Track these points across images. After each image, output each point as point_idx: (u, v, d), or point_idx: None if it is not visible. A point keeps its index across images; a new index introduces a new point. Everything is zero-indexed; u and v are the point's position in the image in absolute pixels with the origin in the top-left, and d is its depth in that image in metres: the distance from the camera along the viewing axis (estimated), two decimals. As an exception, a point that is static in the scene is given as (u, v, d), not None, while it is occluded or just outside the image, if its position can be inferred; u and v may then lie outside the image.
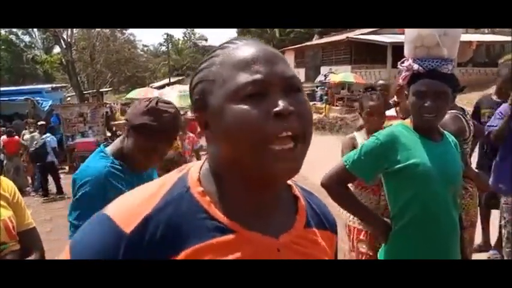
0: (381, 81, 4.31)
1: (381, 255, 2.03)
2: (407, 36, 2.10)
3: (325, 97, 20.87)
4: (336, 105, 20.63)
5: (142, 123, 1.71)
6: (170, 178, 0.76)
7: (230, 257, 0.70)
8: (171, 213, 0.70)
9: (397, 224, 1.94)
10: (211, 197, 0.74)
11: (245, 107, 0.69)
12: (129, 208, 0.71)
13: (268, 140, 0.69)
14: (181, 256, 0.68)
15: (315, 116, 19.05)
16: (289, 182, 0.84)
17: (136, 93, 16.76)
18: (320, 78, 23.77)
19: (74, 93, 27.54)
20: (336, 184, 2.02)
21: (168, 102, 1.79)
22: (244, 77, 0.71)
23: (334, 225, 0.90)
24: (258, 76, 0.71)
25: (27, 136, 10.18)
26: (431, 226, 1.89)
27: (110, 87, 34.51)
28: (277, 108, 0.69)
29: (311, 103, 22.27)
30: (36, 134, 9.60)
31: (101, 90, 28.83)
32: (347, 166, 1.97)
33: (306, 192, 0.89)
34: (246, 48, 0.74)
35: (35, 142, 9.18)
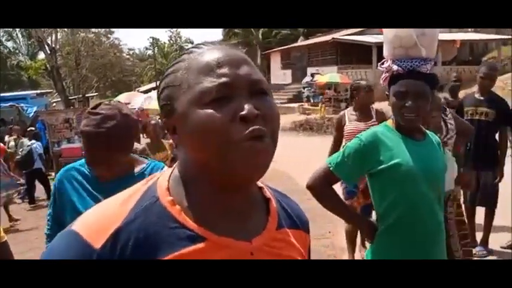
0: (363, 82, 4.31)
1: (367, 255, 2.04)
2: (386, 37, 2.11)
3: (321, 97, 20.90)
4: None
5: (79, 131, 1.66)
6: (139, 189, 0.76)
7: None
8: (142, 225, 0.70)
9: (383, 224, 1.95)
10: (181, 205, 0.73)
11: (210, 110, 0.69)
12: (97, 222, 0.70)
13: (233, 141, 0.69)
14: None
15: (302, 117, 19.16)
16: (260, 184, 0.84)
17: (123, 98, 16.71)
18: (307, 79, 23.86)
19: (59, 99, 27.31)
20: (321, 186, 2.03)
21: (112, 104, 1.65)
22: (208, 82, 0.71)
23: (306, 224, 0.90)
24: (222, 80, 0.71)
25: (12, 143, 10.03)
26: (417, 225, 1.90)
27: (96, 92, 34.28)
28: (242, 112, 0.69)
29: (298, 104, 22.38)
30: (25, 140, 9.46)
31: (86, 95, 28.68)
32: (331, 168, 1.98)
33: (277, 193, 0.88)
34: (212, 53, 0.74)
35: (21, 149, 9.05)
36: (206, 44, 0.77)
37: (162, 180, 0.77)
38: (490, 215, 4.42)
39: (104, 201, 0.76)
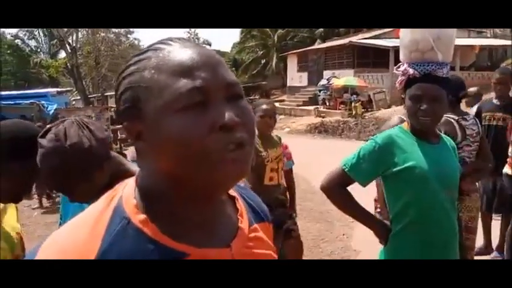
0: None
1: (381, 257, 2.06)
2: (402, 42, 2.13)
3: (354, 96, 20.82)
4: (339, 109, 20.67)
5: None
6: (103, 211, 0.68)
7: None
8: (118, 253, 0.64)
9: (397, 226, 1.97)
10: (155, 223, 0.67)
11: (186, 119, 0.63)
12: (70, 255, 0.63)
13: (213, 150, 0.64)
14: None
15: (318, 120, 19.11)
16: None
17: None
18: (323, 82, 23.80)
19: (79, 97, 27.72)
20: (335, 187, 2.05)
21: (57, 133, 1.34)
22: (183, 84, 0.64)
23: (267, 214, 0.89)
24: (198, 83, 0.64)
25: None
26: (430, 228, 1.91)
27: (114, 91, 34.62)
28: (223, 121, 0.63)
29: (314, 107, 22.32)
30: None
31: (105, 94, 28.99)
32: (346, 169, 2.00)
33: (240, 188, 0.85)
34: (183, 52, 0.67)
35: None
36: (174, 40, 0.70)
37: (127, 196, 0.69)
38: (506, 222, 4.38)
39: (66, 228, 0.68)
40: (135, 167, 1.46)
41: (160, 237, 0.66)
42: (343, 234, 5.45)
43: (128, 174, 1.37)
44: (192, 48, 0.67)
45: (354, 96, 20.78)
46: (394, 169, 1.93)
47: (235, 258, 0.72)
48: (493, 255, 4.32)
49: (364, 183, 2.04)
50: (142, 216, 0.67)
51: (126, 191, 0.70)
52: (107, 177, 1.40)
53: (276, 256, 0.84)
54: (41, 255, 0.65)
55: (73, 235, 0.66)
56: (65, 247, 0.64)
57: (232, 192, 0.80)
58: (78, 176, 1.35)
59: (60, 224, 1.77)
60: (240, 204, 0.80)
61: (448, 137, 2.13)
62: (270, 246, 0.82)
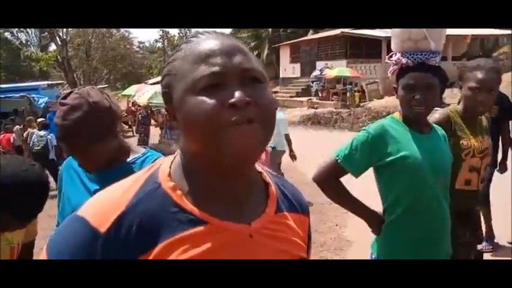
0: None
1: (373, 247, 2.06)
2: (395, 31, 2.12)
3: (350, 86, 20.77)
4: (332, 100, 20.68)
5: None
6: (142, 175, 0.79)
7: (202, 248, 0.72)
8: (144, 210, 0.73)
9: (390, 216, 1.97)
10: (182, 191, 0.76)
11: (201, 98, 0.72)
12: (102, 207, 0.73)
13: (222, 126, 0.70)
14: (155, 250, 0.71)
15: (311, 111, 19.12)
16: (259, 169, 0.86)
17: (132, 90, 16.85)
18: (315, 73, 23.78)
19: (70, 90, 27.50)
20: (328, 178, 2.04)
21: (80, 93, 1.50)
22: (201, 70, 0.73)
23: (306, 208, 0.93)
24: (214, 68, 0.73)
25: (26, 133, 10.18)
26: (423, 217, 1.92)
27: (106, 83, 34.46)
28: (232, 100, 0.71)
29: (307, 98, 22.34)
30: (41, 132, 9.52)
31: (97, 86, 28.82)
32: (339, 160, 1.99)
33: (277, 178, 0.91)
34: (206, 42, 0.76)
35: (36, 140, 9.13)
36: (204, 33, 0.80)
37: (164, 166, 0.80)
38: (488, 211, 4.42)
39: (109, 187, 0.78)
40: (136, 148, 1.64)
41: (184, 203, 0.75)
42: (336, 225, 5.48)
43: (130, 151, 1.60)
44: (215, 39, 0.76)
45: (349, 86, 20.84)
46: (387, 159, 1.93)
47: (253, 235, 0.77)
48: (484, 245, 4.36)
49: (357, 174, 2.04)
50: (172, 184, 0.76)
51: (164, 163, 0.80)
52: (114, 149, 1.54)
53: (304, 245, 0.87)
54: (83, 210, 0.74)
55: (110, 192, 0.76)
56: (102, 200, 0.75)
57: (267, 179, 0.86)
58: (95, 134, 1.47)
59: (59, 217, 1.76)
60: (273, 190, 0.85)
61: (438, 127, 2.13)
62: (297, 235, 0.86)
